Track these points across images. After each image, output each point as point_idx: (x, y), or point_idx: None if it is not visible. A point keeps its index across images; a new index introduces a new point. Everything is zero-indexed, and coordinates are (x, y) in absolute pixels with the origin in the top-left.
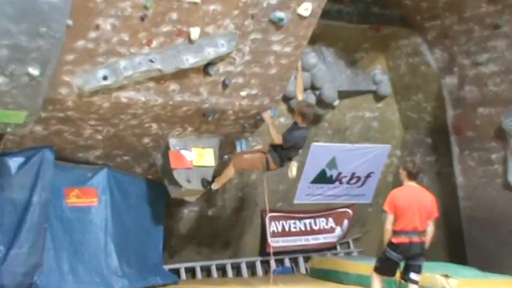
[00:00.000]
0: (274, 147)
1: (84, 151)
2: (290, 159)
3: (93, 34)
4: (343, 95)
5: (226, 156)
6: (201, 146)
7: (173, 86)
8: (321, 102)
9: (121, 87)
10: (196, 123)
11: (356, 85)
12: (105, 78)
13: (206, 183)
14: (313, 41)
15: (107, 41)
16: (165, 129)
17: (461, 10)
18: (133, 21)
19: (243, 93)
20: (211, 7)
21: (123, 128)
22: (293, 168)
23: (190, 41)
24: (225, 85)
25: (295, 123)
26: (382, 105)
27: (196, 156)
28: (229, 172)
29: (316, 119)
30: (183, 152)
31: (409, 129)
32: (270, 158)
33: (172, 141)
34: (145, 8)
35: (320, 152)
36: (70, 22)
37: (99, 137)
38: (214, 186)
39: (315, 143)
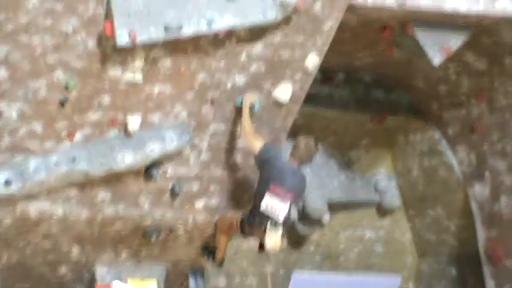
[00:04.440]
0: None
1: None
2: (262, 224)
3: None
4: (335, 208)
5: None
6: (140, 277)
7: (103, 194)
8: (305, 218)
9: (30, 196)
10: (134, 245)
11: (353, 195)
12: (7, 183)
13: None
14: (295, 134)
15: (11, 133)
16: (90, 254)
17: (493, 96)
18: (49, 106)
19: (199, 205)
20: (157, 88)
21: (31, 253)
22: (273, 235)
23: (128, 134)
24: (174, 194)
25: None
26: (388, 223)
27: None
28: (222, 240)
29: (299, 241)
30: (115, 284)
31: (426, 256)
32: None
33: (101, 271)
34: (67, 88)
35: (304, 285)
36: None
37: None
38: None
39: (296, 273)
